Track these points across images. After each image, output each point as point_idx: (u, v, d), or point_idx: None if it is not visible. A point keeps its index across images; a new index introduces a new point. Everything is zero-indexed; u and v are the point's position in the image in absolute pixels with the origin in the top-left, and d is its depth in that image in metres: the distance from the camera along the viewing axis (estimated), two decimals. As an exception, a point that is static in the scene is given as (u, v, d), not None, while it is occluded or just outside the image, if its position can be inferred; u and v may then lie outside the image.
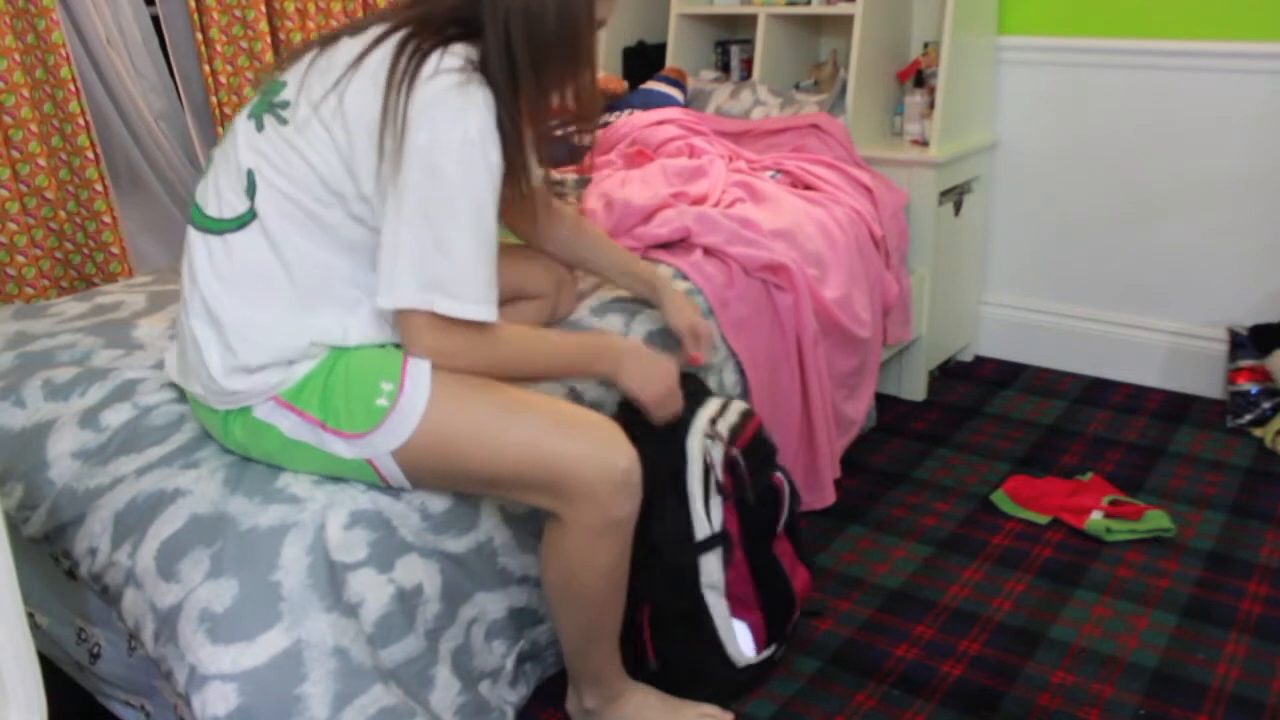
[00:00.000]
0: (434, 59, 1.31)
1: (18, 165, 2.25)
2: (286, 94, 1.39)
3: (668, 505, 1.60)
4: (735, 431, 1.66)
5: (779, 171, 2.64)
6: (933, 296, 2.84)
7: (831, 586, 2.05)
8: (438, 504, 1.50)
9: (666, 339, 1.90)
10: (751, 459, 1.66)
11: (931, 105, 2.80)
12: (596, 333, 1.85)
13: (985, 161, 3.02)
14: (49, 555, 1.57)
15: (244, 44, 2.58)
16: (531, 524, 1.61)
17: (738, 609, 1.70)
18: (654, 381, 1.57)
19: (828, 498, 2.31)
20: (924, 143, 2.84)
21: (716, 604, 1.67)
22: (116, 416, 1.57)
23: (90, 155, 2.33)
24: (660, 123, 2.81)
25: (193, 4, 2.47)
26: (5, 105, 2.22)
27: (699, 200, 2.38)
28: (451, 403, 1.39)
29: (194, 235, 1.44)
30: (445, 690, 1.49)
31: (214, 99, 2.54)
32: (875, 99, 2.93)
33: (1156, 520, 2.21)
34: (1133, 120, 2.83)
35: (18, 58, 2.22)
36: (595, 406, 1.72)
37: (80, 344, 1.78)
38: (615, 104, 3.05)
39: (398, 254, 1.32)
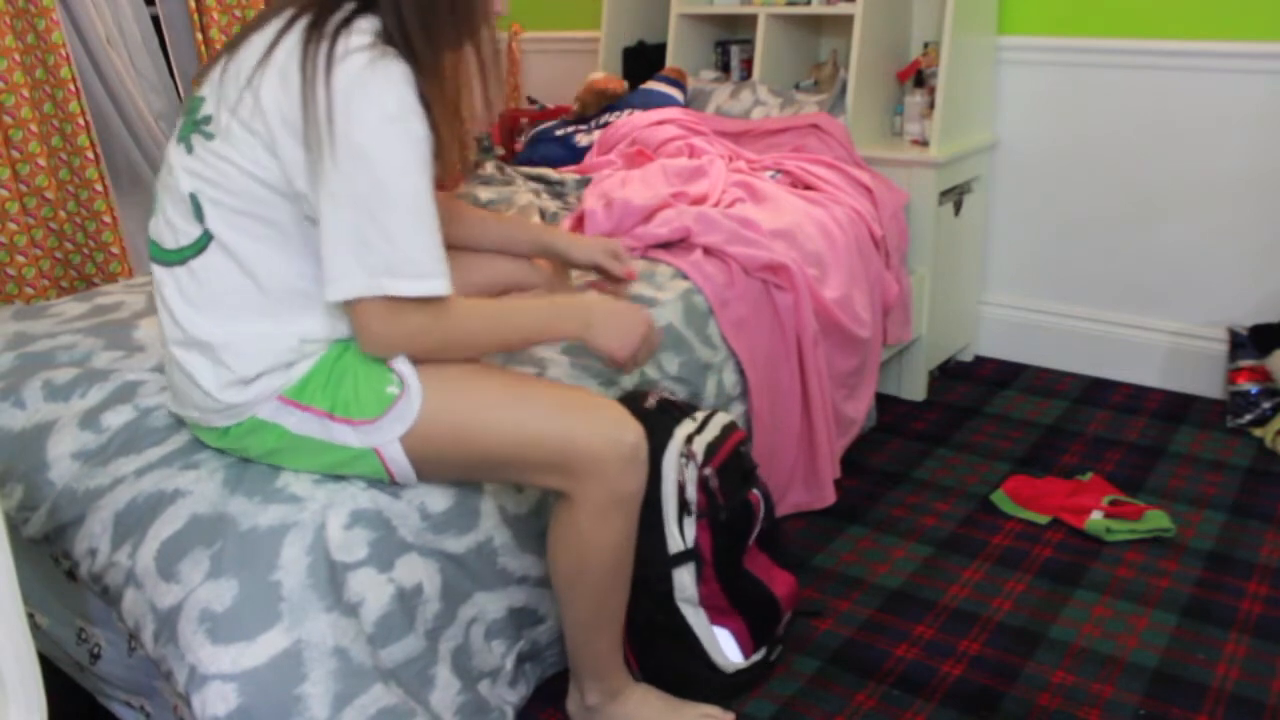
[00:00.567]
0: (341, 41, 1.28)
1: (18, 165, 2.25)
2: (207, 108, 1.37)
3: (642, 522, 1.59)
4: (712, 449, 1.66)
5: (779, 171, 2.64)
6: (933, 296, 2.84)
7: (831, 586, 2.05)
8: (438, 504, 1.50)
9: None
10: (725, 477, 1.66)
11: (931, 105, 2.80)
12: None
13: (985, 161, 3.02)
14: (49, 556, 1.58)
15: (244, 44, 2.58)
16: (532, 524, 1.62)
17: (717, 617, 1.71)
18: (629, 334, 1.51)
19: (828, 498, 2.31)
20: (924, 143, 2.84)
21: (694, 615, 1.68)
22: (117, 418, 1.57)
23: (90, 155, 2.33)
24: (660, 123, 2.82)
25: (193, 4, 2.48)
26: (5, 105, 2.22)
27: (699, 200, 2.38)
28: (460, 384, 1.40)
29: (159, 271, 1.43)
30: (445, 690, 1.50)
31: (214, 99, 2.54)
32: (875, 99, 2.93)
33: (1156, 520, 2.21)
34: (1133, 120, 2.83)
35: (18, 58, 2.22)
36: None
37: (80, 345, 1.78)
38: (615, 104, 3.05)
39: (337, 245, 1.30)
